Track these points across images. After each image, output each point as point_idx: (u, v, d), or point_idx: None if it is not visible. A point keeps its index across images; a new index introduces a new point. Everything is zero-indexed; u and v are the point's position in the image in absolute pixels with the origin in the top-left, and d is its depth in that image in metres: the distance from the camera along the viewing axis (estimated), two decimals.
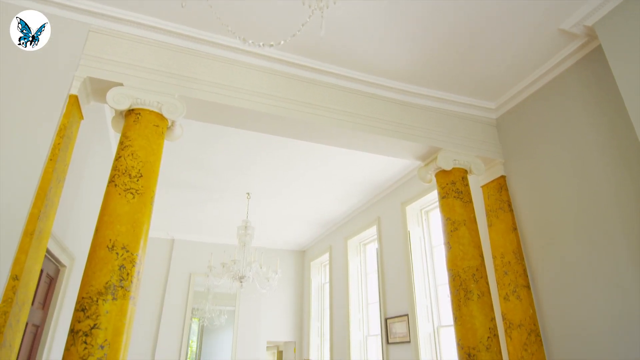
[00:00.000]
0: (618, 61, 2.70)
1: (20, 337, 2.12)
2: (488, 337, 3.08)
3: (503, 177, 3.82)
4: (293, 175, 5.58)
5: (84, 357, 2.02)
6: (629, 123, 2.70)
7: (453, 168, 3.63)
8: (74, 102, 2.57)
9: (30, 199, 2.17)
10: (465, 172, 3.71)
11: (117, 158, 2.56)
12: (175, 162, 5.20)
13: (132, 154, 2.55)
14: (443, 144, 3.69)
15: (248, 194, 6.08)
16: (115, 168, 2.52)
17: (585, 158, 3.13)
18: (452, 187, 3.59)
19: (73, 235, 3.47)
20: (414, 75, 3.57)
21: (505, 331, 3.45)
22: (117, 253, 2.26)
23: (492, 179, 3.88)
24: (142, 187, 2.49)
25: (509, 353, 3.38)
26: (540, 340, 3.25)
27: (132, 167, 2.51)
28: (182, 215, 7.16)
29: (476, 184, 4.07)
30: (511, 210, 3.68)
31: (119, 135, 2.79)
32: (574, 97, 3.27)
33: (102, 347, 2.07)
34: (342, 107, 3.41)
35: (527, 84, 3.63)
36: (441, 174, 3.70)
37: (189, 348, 7.70)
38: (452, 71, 3.53)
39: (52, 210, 2.39)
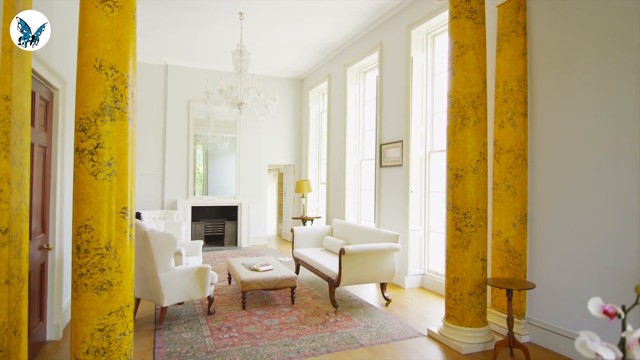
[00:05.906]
0: None
1: (29, 155, 2.19)
2: (477, 161, 3.25)
3: None
4: None
5: (94, 173, 2.14)
6: None
7: None
8: None
9: None
10: None
11: None
12: None
13: None
14: None
15: (241, 13, 5.56)
16: None
17: None
18: (466, 5, 3.25)
19: (61, 58, 3.30)
20: None
21: (494, 156, 3.62)
22: (106, 73, 2.17)
23: None
24: None
25: (494, 175, 3.62)
26: (526, 164, 3.43)
27: None
28: (172, 39, 6.72)
29: (491, 5, 3.69)
30: (525, 34, 3.43)
31: None
32: None
33: (109, 164, 2.17)
34: None
35: None
36: None
37: (196, 170, 8.27)
38: None
39: None
